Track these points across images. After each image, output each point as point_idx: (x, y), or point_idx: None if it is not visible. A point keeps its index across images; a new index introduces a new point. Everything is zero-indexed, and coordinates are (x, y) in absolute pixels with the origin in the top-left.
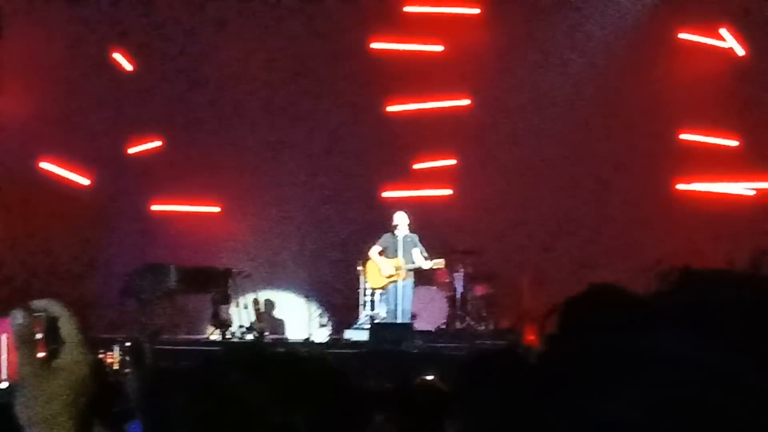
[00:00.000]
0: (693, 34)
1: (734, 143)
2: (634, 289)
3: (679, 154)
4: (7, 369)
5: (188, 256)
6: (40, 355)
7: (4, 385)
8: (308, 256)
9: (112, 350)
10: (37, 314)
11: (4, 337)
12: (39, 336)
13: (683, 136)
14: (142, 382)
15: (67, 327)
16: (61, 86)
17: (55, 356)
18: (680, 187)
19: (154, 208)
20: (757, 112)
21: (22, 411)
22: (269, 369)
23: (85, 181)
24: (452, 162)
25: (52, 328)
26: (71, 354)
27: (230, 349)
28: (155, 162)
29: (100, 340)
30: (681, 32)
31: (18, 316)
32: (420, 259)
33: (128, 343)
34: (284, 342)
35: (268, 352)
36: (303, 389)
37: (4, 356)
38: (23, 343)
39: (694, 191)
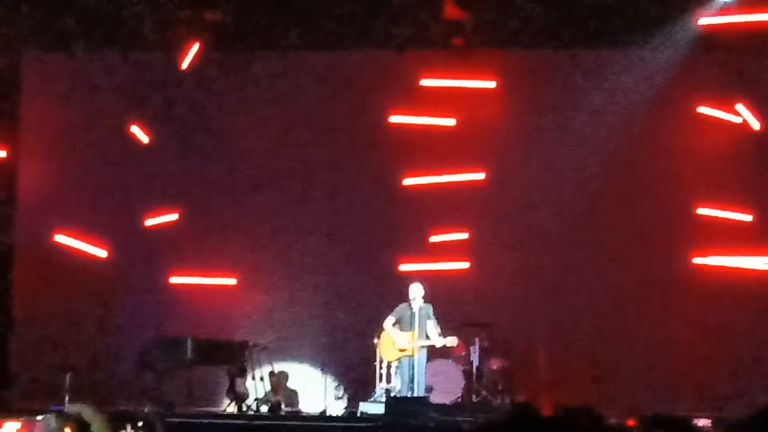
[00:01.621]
0: (709, 107)
1: (748, 218)
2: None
3: (695, 227)
4: None
5: (204, 329)
6: None
7: None
8: (324, 328)
9: (125, 428)
10: (69, 418)
11: None
12: None
13: (699, 210)
14: None
15: (99, 431)
16: (78, 159)
17: None
18: (697, 260)
19: (173, 280)
20: None
21: None
22: None
23: (102, 253)
24: (465, 236)
25: (83, 431)
26: None
27: None
28: (171, 234)
29: (117, 414)
30: (698, 106)
31: (51, 421)
32: (433, 334)
33: (140, 423)
34: (300, 415)
35: None
36: None
37: None
38: None
39: (710, 265)
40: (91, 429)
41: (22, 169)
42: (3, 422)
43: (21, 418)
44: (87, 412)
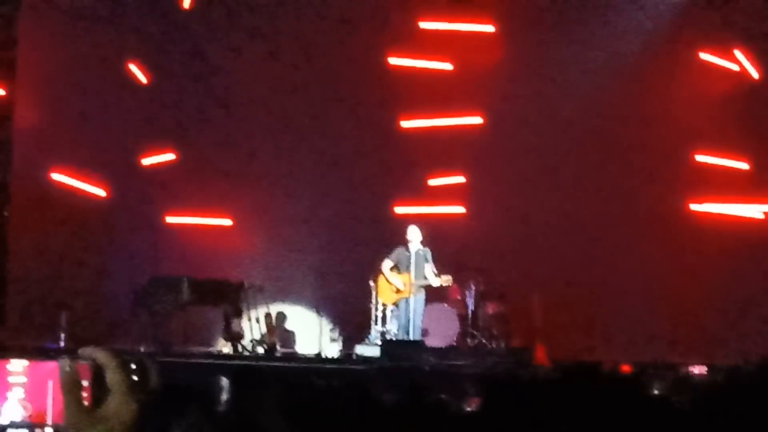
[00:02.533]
0: (708, 54)
1: (745, 166)
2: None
3: (692, 174)
4: (53, 415)
5: (201, 269)
6: (86, 402)
7: (50, 430)
8: (320, 270)
9: None
10: (84, 362)
11: (51, 383)
12: (85, 383)
13: (697, 157)
14: (148, 401)
15: (113, 375)
16: (76, 98)
17: (100, 404)
18: (694, 207)
19: (169, 220)
20: None
21: None
22: (300, 412)
23: (100, 193)
24: (462, 179)
25: (98, 376)
26: (116, 402)
27: (260, 393)
28: (169, 174)
29: None
30: (697, 53)
31: (65, 364)
32: (430, 276)
33: (133, 365)
34: (295, 357)
35: (299, 395)
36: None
37: (51, 402)
38: (70, 390)
39: (706, 212)
40: (106, 372)
41: (18, 108)
42: (8, 360)
43: (28, 358)
44: (101, 355)
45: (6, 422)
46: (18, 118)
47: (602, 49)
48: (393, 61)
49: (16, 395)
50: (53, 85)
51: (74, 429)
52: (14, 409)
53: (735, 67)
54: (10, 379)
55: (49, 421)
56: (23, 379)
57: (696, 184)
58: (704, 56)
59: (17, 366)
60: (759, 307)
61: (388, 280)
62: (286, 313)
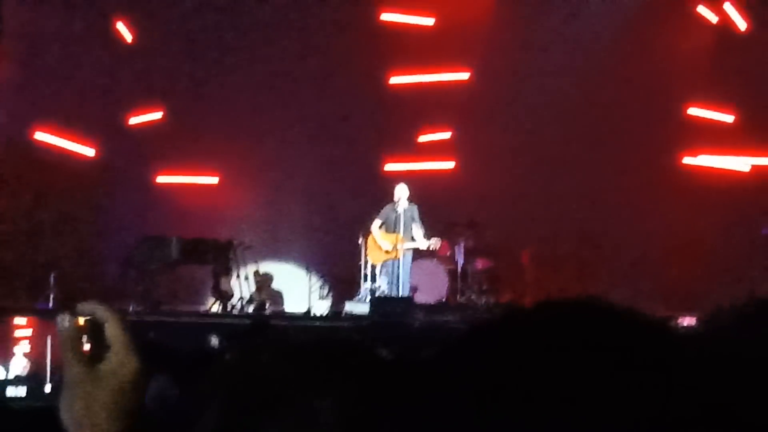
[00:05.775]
0: (699, 6)
1: (730, 118)
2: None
3: (684, 128)
4: (52, 371)
5: (190, 228)
6: (86, 358)
7: (49, 387)
8: (309, 228)
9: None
10: (83, 317)
11: (49, 339)
12: (85, 339)
13: (690, 111)
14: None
15: (113, 331)
16: (62, 56)
17: (100, 360)
18: (686, 161)
19: (159, 180)
20: (756, 87)
21: (66, 414)
22: (299, 353)
23: (89, 152)
24: (449, 135)
25: (97, 331)
26: (116, 358)
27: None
28: (156, 133)
29: None
30: (685, 6)
31: (64, 320)
32: (418, 236)
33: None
34: (285, 315)
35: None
36: (332, 374)
37: (49, 358)
38: (69, 346)
39: (699, 165)
40: (106, 327)
41: (2, 65)
42: (12, 318)
43: (28, 315)
44: (100, 310)
45: (11, 377)
46: (1, 76)
47: (591, 2)
48: (385, 17)
49: (22, 350)
50: (38, 42)
51: (74, 385)
52: (20, 364)
53: (715, 19)
54: (17, 334)
55: (48, 378)
56: (29, 333)
57: (688, 137)
58: (700, 9)
59: (23, 321)
60: (748, 259)
61: (376, 241)
62: (274, 271)
